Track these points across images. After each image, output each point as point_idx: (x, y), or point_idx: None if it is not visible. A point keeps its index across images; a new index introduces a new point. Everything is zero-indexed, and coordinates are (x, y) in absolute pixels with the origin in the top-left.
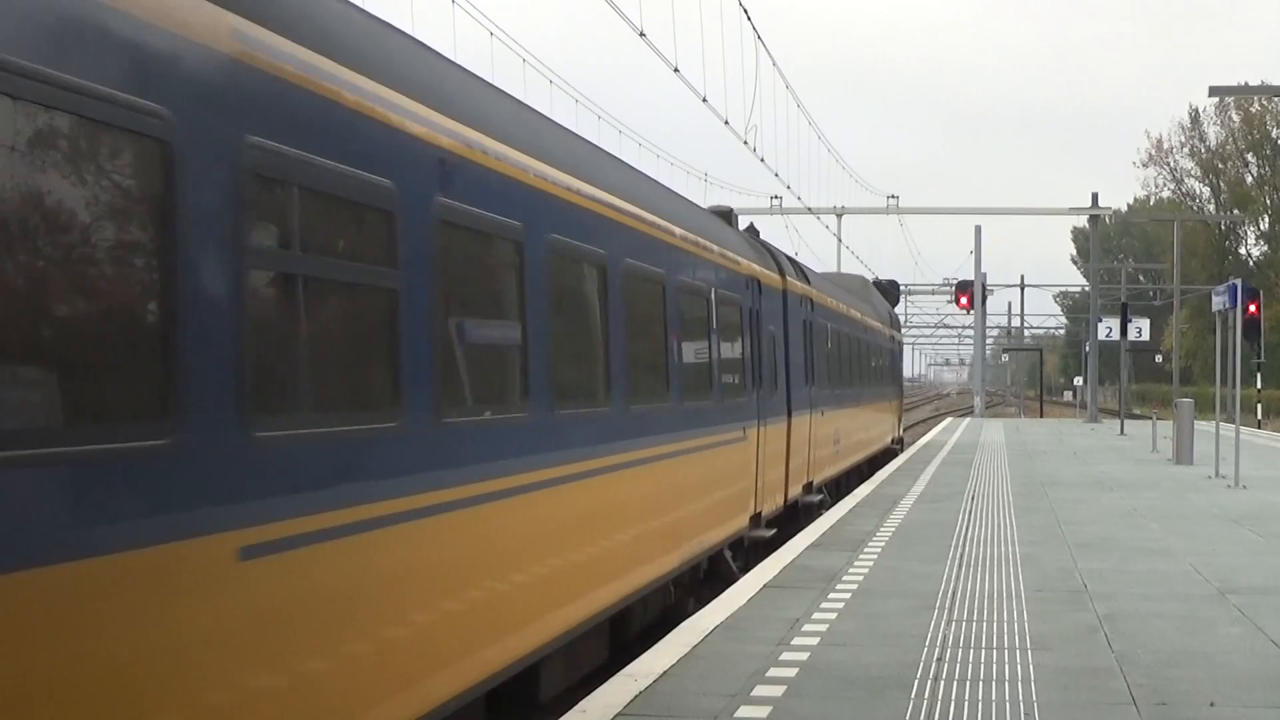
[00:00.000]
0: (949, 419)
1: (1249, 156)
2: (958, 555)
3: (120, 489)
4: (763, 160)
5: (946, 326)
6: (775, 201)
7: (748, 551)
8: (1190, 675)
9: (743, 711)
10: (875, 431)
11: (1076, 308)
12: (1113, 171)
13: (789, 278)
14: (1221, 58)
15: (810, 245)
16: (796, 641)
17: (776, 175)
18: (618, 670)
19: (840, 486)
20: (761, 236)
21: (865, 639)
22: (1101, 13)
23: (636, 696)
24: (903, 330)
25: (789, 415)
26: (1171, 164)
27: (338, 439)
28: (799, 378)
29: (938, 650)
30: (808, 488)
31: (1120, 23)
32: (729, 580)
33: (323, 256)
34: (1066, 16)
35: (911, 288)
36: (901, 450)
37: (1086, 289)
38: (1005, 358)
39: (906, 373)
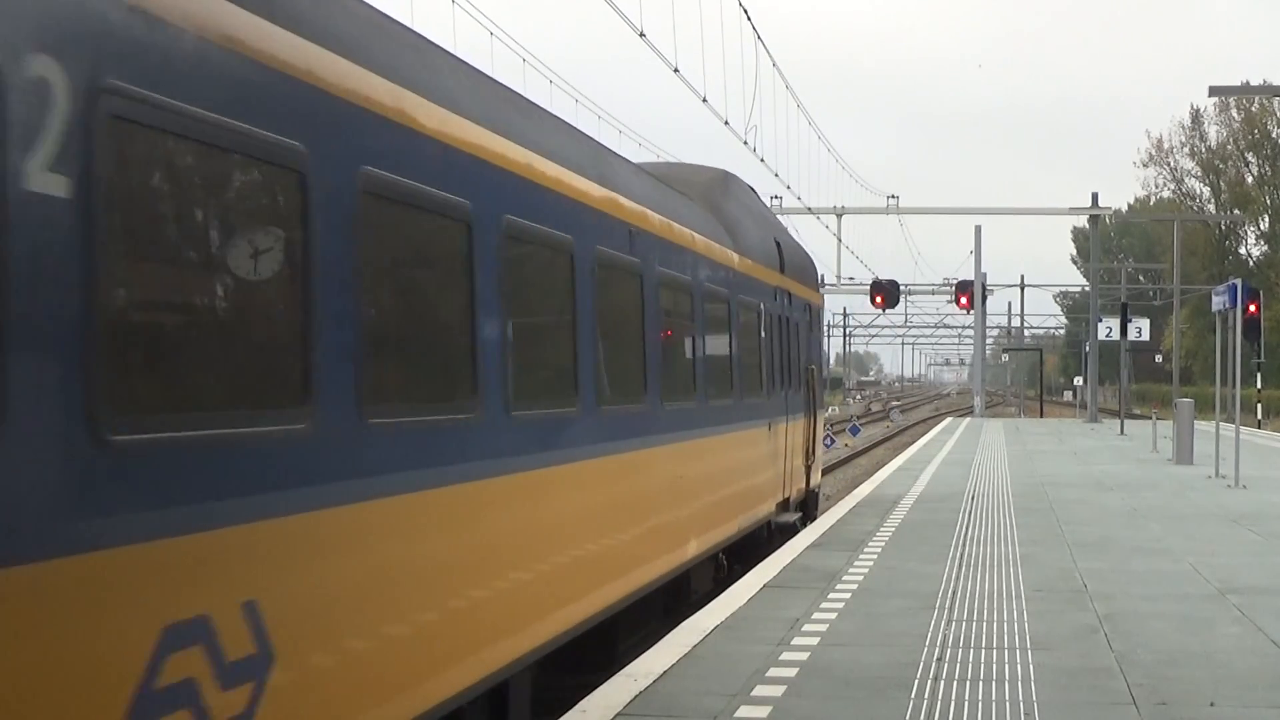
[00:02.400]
0: (948, 419)
1: (1249, 156)
2: (958, 555)
3: None
4: (763, 160)
5: (946, 326)
6: (775, 201)
7: None
8: (1190, 675)
9: (743, 711)
10: (678, 515)
11: (1076, 308)
12: (1113, 172)
13: None
14: (1222, 57)
15: (810, 245)
16: (796, 641)
17: (776, 175)
18: (615, 671)
19: None
20: None
21: (865, 639)
22: (1102, 11)
23: (636, 696)
24: (819, 297)
25: None
26: (1172, 164)
27: None
28: None
29: (938, 650)
30: None
31: (1121, 20)
32: None
33: None
34: (1067, 15)
35: (911, 288)
36: (804, 523)
37: (1086, 289)
38: (1005, 358)
39: (906, 372)
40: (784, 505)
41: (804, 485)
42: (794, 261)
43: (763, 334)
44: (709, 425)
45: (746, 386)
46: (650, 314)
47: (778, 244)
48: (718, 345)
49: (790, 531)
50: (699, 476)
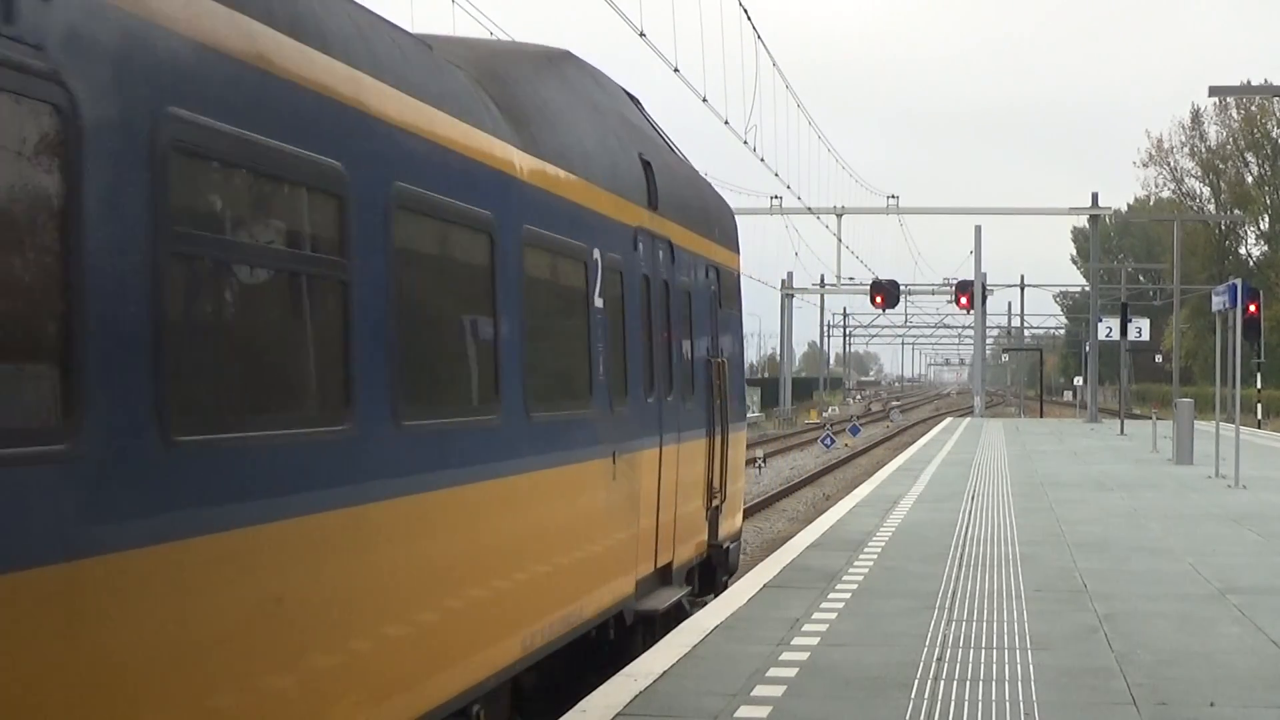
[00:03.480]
0: (948, 419)
1: (1249, 156)
2: (958, 555)
3: None
4: (763, 160)
5: (946, 326)
6: (775, 201)
7: None
8: (1190, 675)
9: (743, 711)
10: (319, 664)
11: (1076, 308)
12: (1113, 172)
13: None
14: (1222, 57)
15: (810, 245)
16: (796, 641)
17: (776, 175)
18: (617, 671)
19: None
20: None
21: (865, 639)
22: (1102, 10)
23: (636, 696)
24: (735, 258)
25: None
26: (1172, 164)
27: None
28: None
29: (938, 650)
30: None
31: (1121, 20)
32: None
33: None
34: (1066, 14)
35: (912, 288)
36: (697, 600)
37: (1086, 289)
38: (1005, 358)
39: (906, 373)
40: (661, 576)
41: (705, 539)
42: (681, 197)
43: (599, 303)
44: (409, 475)
45: (547, 394)
46: (164, 232)
47: (645, 164)
48: (457, 316)
49: (677, 615)
50: (388, 582)
